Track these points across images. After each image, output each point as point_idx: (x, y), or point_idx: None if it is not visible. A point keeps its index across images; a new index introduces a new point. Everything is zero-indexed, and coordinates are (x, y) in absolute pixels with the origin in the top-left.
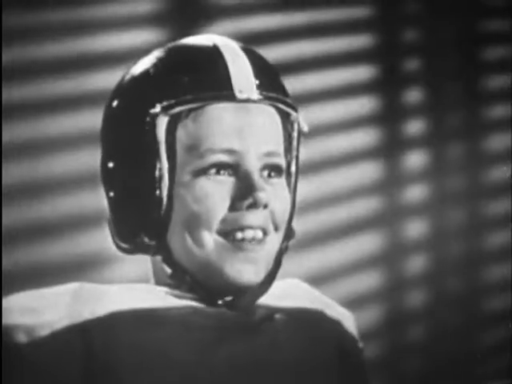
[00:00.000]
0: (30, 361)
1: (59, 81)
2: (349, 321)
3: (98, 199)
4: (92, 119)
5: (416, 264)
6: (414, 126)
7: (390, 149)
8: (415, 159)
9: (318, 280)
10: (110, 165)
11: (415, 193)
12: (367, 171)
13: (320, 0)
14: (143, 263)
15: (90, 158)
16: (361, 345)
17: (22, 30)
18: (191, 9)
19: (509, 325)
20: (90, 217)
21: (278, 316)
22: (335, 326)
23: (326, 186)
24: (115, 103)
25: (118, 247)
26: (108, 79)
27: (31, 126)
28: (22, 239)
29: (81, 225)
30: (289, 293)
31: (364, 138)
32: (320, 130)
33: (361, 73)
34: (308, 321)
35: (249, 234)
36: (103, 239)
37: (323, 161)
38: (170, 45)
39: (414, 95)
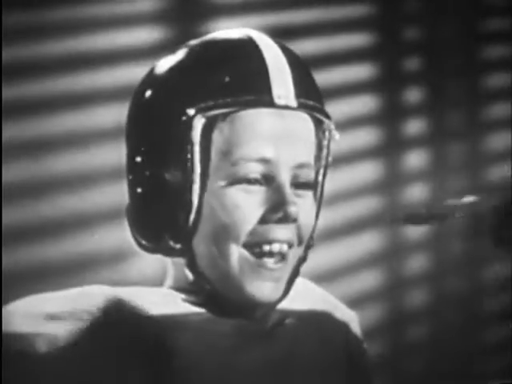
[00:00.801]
0: (47, 371)
1: (59, 79)
2: (354, 322)
3: (100, 198)
4: (92, 118)
5: (417, 263)
6: (415, 125)
7: (391, 148)
8: (415, 158)
9: (319, 279)
10: (138, 159)
11: (415, 192)
12: (367, 170)
13: None
14: (148, 264)
15: (93, 157)
16: (365, 345)
17: (21, 28)
18: (193, 7)
19: (509, 324)
20: (92, 216)
21: (288, 320)
22: (342, 327)
23: (326, 185)
24: (148, 94)
25: (138, 243)
26: (108, 78)
27: (32, 125)
28: (23, 239)
29: (83, 224)
30: (298, 294)
31: (364, 136)
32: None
33: (361, 71)
34: (317, 323)
35: (275, 247)
36: (107, 238)
37: None
38: (207, 38)
39: (414, 94)
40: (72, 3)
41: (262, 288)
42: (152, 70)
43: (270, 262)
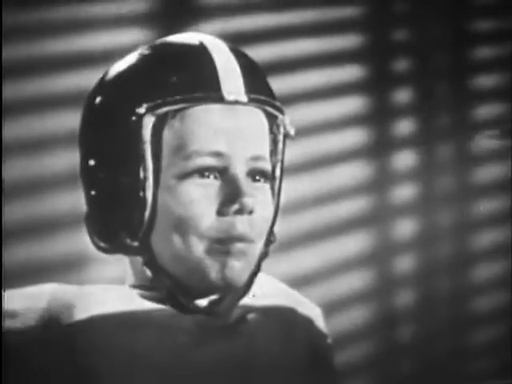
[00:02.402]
0: (9, 366)
1: (55, 78)
2: (319, 317)
3: None
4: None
5: (406, 264)
6: (404, 126)
7: (380, 148)
8: (405, 159)
9: (308, 280)
10: (91, 163)
11: (405, 193)
12: (357, 171)
13: (309, 0)
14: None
15: None
16: (329, 341)
17: (18, 27)
18: (180, 8)
19: (504, 323)
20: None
21: (252, 316)
22: (307, 323)
23: (316, 185)
24: (98, 100)
25: (97, 246)
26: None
27: (30, 124)
28: (22, 237)
29: (74, 223)
30: (262, 290)
31: (353, 137)
32: (309, 130)
33: (351, 72)
34: (281, 319)
35: (235, 241)
36: None
37: (313, 160)
38: (156, 42)
39: (403, 95)
40: (62, 4)
41: (226, 273)
42: (103, 75)
43: (232, 249)
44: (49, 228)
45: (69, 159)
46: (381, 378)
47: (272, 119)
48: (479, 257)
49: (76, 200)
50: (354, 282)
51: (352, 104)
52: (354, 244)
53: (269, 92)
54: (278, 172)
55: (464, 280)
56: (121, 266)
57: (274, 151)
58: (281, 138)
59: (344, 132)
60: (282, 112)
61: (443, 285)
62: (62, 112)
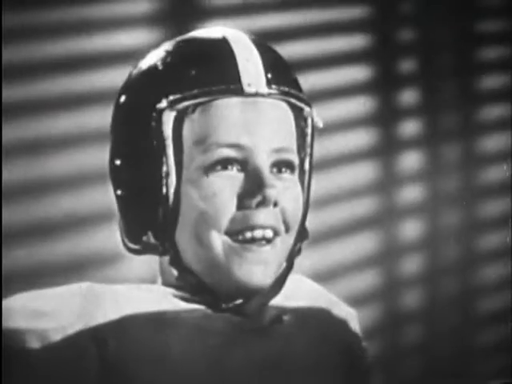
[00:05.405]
0: (42, 366)
1: (58, 80)
2: (353, 320)
3: (99, 198)
4: (91, 118)
5: (412, 264)
6: (410, 127)
7: (386, 149)
8: (411, 160)
9: (316, 279)
10: (117, 162)
11: (411, 193)
12: (363, 172)
13: (315, 0)
14: (147, 263)
15: (91, 157)
16: (364, 343)
17: (20, 29)
18: (188, 8)
19: (507, 324)
20: (91, 216)
21: (286, 317)
22: (341, 325)
23: (321, 186)
24: (122, 99)
25: (127, 248)
26: (106, 78)
27: (31, 125)
28: (23, 239)
29: (82, 224)
30: (295, 291)
31: (359, 138)
32: (315, 131)
33: (356, 73)
34: (315, 321)
35: (258, 233)
36: (105, 238)
37: (318, 161)
38: (179, 38)
39: (409, 96)
40: (69, 4)
41: (250, 272)
42: (129, 74)
43: (255, 245)
44: (49, 230)
45: (70, 160)
46: (386, 378)
47: (298, 112)
48: (486, 258)
49: (77, 202)
50: (360, 282)
51: (358, 105)
52: (360, 245)
53: (293, 84)
54: (306, 165)
55: (471, 281)
56: (122, 268)
57: (302, 145)
58: (309, 131)
59: (350, 133)
60: (308, 104)
61: (450, 286)
62: (64, 114)
